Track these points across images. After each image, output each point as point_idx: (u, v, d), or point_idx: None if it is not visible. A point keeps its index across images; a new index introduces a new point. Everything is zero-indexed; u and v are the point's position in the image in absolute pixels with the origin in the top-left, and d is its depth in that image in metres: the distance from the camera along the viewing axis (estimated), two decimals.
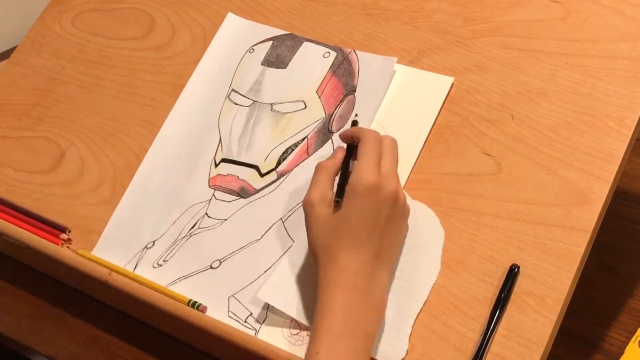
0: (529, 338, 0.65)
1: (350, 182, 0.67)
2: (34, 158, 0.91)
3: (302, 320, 0.70)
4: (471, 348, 0.66)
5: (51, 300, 0.85)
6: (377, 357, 0.67)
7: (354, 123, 0.76)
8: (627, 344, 0.77)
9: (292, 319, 0.71)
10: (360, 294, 0.65)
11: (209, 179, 0.82)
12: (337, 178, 0.70)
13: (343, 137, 0.73)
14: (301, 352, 0.69)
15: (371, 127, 0.78)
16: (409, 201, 0.72)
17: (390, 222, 0.68)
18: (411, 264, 0.70)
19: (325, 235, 0.67)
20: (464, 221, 0.71)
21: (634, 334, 0.78)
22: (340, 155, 0.72)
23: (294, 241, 0.75)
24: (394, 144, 0.71)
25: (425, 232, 0.72)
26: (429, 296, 0.69)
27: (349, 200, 0.67)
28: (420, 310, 0.68)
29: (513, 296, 0.67)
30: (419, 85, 0.79)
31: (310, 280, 0.70)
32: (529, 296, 0.66)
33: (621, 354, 0.76)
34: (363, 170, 0.67)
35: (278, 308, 0.71)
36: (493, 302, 0.67)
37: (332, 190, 0.69)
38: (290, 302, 0.71)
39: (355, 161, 0.69)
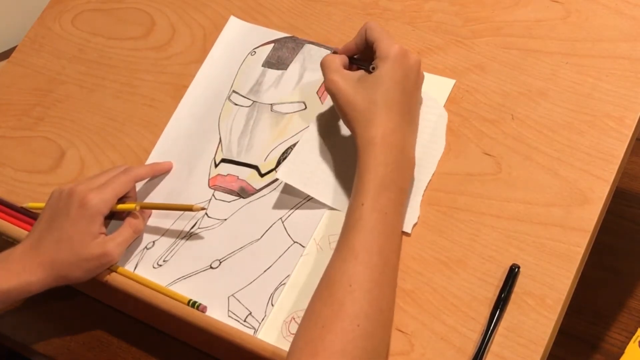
0: (529, 338, 0.65)
1: (379, 53, 0.73)
2: (34, 158, 0.91)
3: (319, 197, 0.75)
4: (471, 348, 0.66)
5: (51, 300, 0.85)
6: None
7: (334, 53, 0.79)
8: (627, 344, 0.77)
9: (292, 319, 0.71)
10: (396, 151, 0.70)
11: (209, 179, 0.82)
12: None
13: (347, 49, 0.77)
14: None
15: None
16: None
17: (415, 87, 0.74)
18: (419, 143, 0.74)
19: (359, 102, 0.72)
20: (464, 221, 0.71)
21: (634, 334, 0.78)
22: (343, 56, 0.77)
23: (294, 241, 0.75)
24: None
25: (430, 114, 0.76)
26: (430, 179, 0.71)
27: (380, 67, 0.72)
28: (429, 182, 0.73)
29: (513, 296, 0.67)
30: None
31: (326, 163, 0.76)
32: (529, 296, 0.66)
33: (621, 354, 0.76)
34: (388, 43, 0.73)
35: (296, 187, 0.75)
36: (493, 302, 0.67)
37: (345, 70, 0.75)
38: (307, 182, 0.75)
39: (376, 40, 0.74)
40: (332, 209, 0.75)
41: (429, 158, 0.74)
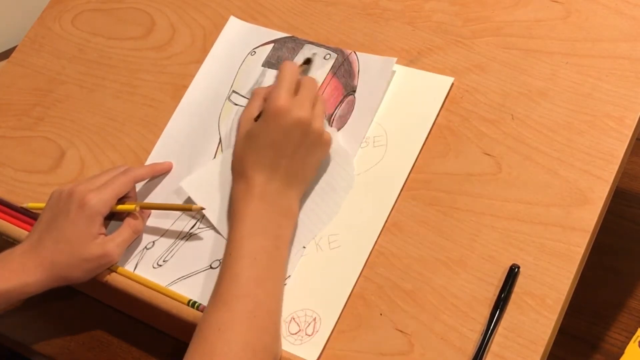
0: (529, 338, 0.65)
1: (264, 105, 0.74)
2: (34, 158, 0.91)
3: (212, 219, 0.77)
4: (471, 348, 0.66)
5: (51, 300, 0.85)
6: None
7: (307, 61, 0.81)
8: (627, 344, 0.77)
9: (292, 319, 0.71)
10: (267, 203, 0.71)
11: None
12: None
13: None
14: (301, 351, 0.69)
15: (371, 127, 0.78)
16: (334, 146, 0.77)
17: (300, 147, 0.73)
18: (327, 183, 0.76)
19: (240, 150, 0.74)
20: (464, 221, 0.71)
21: (634, 334, 0.78)
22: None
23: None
24: (311, 80, 0.77)
25: (336, 176, 0.77)
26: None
27: (261, 121, 0.73)
28: (333, 216, 0.75)
29: (513, 296, 0.67)
30: (419, 85, 0.79)
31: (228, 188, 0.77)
32: (529, 296, 0.66)
33: (621, 354, 0.76)
34: (275, 95, 0.73)
35: (195, 201, 0.77)
36: (493, 302, 0.67)
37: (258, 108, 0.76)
38: (207, 201, 0.77)
39: (275, 84, 0.74)
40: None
41: (338, 190, 0.76)
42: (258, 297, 0.67)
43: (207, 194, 0.78)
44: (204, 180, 0.78)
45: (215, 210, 0.77)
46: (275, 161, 0.72)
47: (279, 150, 0.72)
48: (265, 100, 0.76)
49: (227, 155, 0.79)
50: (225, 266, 0.69)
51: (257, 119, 0.74)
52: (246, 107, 0.77)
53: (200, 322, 0.67)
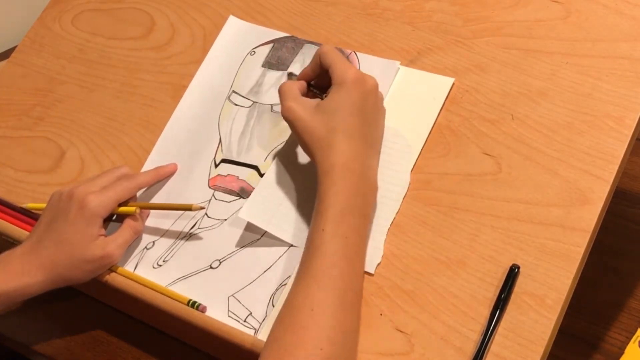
0: (529, 338, 0.65)
1: (335, 79, 0.73)
2: (34, 158, 0.91)
3: (282, 236, 0.74)
4: (471, 348, 0.66)
5: (51, 300, 0.85)
6: None
7: (289, 76, 0.81)
8: (627, 344, 0.77)
9: None
10: (356, 177, 0.70)
11: (209, 180, 0.82)
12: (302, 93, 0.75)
13: (305, 75, 0.78)
14: None
15: None
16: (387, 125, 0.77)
17: (375, 112, 0.74)
18: (382, 180, 0.74)
19: (317, 130, 0.71)
20: (464, 221, 0.71)
21: (634, 334, 0.78)
22: (303, 80, 0.77)
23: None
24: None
25: (395, 150, 0.76)
26: (394, 219, 0.73)
27: (336, 93, 0.72)
28: (393, 220, 0.73)
29: (513, 296, 0.67)
30: (419, 85, 0.79)
31: (289, 199, 0.76)
32: (529, 296, 0.66)
33: (621, 354, 0.76)
34: (344, 68, 0.73)
35: (259, 226, 0.75)
36: (493, 302, 0.67)
37: (303, 97, 0.74)
38: (270, 221, 0.75)
39: (331, 65, 0.74)
40: None
41: (393, 195, 0.74)
42: (349, 277, 0.67)
43: (270, 216, 0.75)
44: (260, 203, 0.76)
45: (287, 228, 0.75)
46: (360, 130, 0.71)
47: (362, 118, 0.71)
48: (298, 91, 0.75)
49: (274, 170, 0.78)
50: (318, 242, 0.67)
51: (326, 95, 0.72)
52: (287, 95, 0.74)
53: (290, 297, 0.66)
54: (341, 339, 0.64)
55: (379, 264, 0.71)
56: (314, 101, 0.73)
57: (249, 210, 0.76)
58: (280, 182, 0.77)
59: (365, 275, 0.72)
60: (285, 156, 0.79)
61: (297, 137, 0.74)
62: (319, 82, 0.77)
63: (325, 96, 0.72)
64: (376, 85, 0.74)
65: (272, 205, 0.76)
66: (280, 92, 0.75)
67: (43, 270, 0.73)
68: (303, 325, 0.63)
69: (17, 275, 0.73)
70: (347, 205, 0.68)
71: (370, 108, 0.73)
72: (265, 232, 0.76)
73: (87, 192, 0.76)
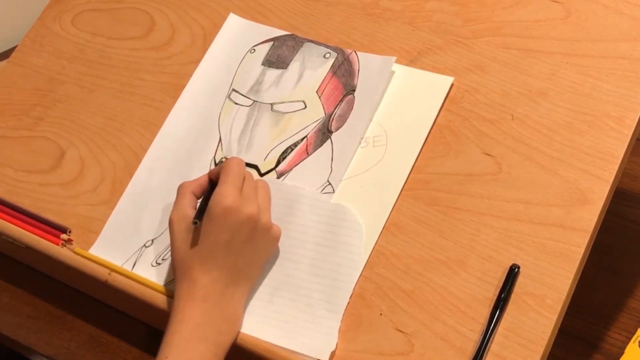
0: (529, 338, 0.65)
1: (209, 204, 0.70)
2: (34, 158, 0.91)
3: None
4: (471, 348, 0.66)
5: (51, 300, 0.85)
6: (305, 352, 0.69)
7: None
8: (627, 344, 0.77)
9: None
10: (210, 305, 0.68)
11: None
12: (199, 202, 0.73)
13: (210, 174, 0.75)
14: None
15: (371, 127, 0.78)
16: (324, 203, 0.75)
17: (248, 244, 0.70)
18: (334, 263, 0.72)
19: (182, 251, 0.70)
20: (464, 221, 0.71)
21: (634, 334, 0.78)
22: (205, 179, 0.74)
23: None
24: (250, 174, 0.75)
25: (345, 230, 0.73)
26: (352, 296, 0.70)
27: (207, 221, 0.70)
28: (346, 305, 0.70)
29: (513, 296, 0.67)
30: (419, 85, 0.79)
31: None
32: (529, 296, 0.66)
33: (621, 354, 0.76)
34: (222, 193, 0.70)
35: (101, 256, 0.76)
36: (493, 302, 0.67)
37: (194, 210, 0.72)
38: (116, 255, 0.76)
39: (218, 183, 0.71)
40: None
41: (347, 278, 0.72)
42: None
43: (118, 252, 0.76)
44: (116, 239, 0.76)
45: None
46: (223, 261, 0.69)
47: (227, 249, 0.69)
48: (195, 196, 0.73)
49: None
50: None
51: (195, 220, 0.70)
52: (175, 204, 0.73)
53: None
54: None
55: (333, 352, 0.69)
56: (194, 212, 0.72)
57: (102, 242, 0.76)
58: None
59: (365, 275, 0.72)
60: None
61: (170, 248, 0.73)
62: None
63: (195, 223, 0.70)
64: (253, 217, 0.70)
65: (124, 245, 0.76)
66: (178, 192, 0.74)
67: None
68: None
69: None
70: (194, 333, 0.67)
71: (241, 240, 0.70)
72: None
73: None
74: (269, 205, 0.74)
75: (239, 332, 0.70)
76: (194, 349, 0.66)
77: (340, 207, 0.75)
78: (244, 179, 0.73)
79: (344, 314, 0.70)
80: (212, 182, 0.74)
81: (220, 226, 0.69)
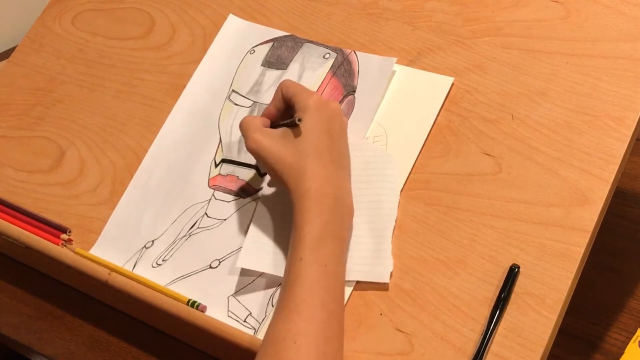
0: (529, 338, 0.65)
1: (298, 105, 0.72)
2: (34, 158, 0.91)
3: (281, 274, 0.72)
4: (471, 348, 0.66)
5: (51, 300, 0.85)
6: (369, 279, 0.70)
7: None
8: (627, 344, 0.77)
9: None
10: (331, 200, 0.69)
11: (209, 179, 0.82)
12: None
13: (269, 113, 0.76)
14: None
15: (371, 127, 0.78)
16: (359, 143, 0.77)
17: (341, 134, 0.73)
18: (374, 195, 0.74)
19: (287, 157, 0.71)
20: (464, 221, 0.71)
21: (634, 334, 0.78)
22: (265, 117, 0.76)
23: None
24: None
25: (381, 164, 0.75)
26: (395, 228, 0.73)
27: (305, 117, 0.71)
28: (394, 228, 0.72)
29: (513, 296, 0.67)
30: (419, 85, 0.79)
31: (282, 237, 0.74)
32: (529, 296, 0.66)
33: (621, 354, 0.76)
34: (306, 94, 0.73)
35: (260, 270, 0.73)
36: (493, 302, 0.67)
37: (267, 128, 0.74)
38: (269, 262, 0.73)
39: (293, 95, 0.74)
40: None
41: (389, 205, 0.73)
42: (330, 306, 0.65)
43: (265, 258, 0.74)
44: (255, 249, 0.74)
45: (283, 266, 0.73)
46: (331, 153, 0.71)
47: (331, 140, 0.71)
48: (261, 125, 0.74)
49: (261, 213, 0.77)
50: (296, 272, 0.66)
51: (299, 119, 0.71)
52: (250, 131, 0.73)
53: (271, 330, 0.65)
54: None
55: (392, 272, 0.71)
56: (279, 130, 0.73)
57: (246, 258, 0.74)
58: (268, 224, 0.75)
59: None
60: (268, 197, 0.78)
61: (267, 169, 0.73)
62: (285, 118, 0.75)
63: (299, 120, 0.71)
64: (339, 109, 0.74)
65: (267, 249, 0.74)
66: (242, 125, 0.74)
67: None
68: (287, 359, 0.62)
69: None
70: (323, 231, 0.67)
71: (337, 131, 0.72)
72: None
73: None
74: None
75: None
76: (325, 247, 0.67)
77: (370, 144, 0.77)
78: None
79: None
80: (277, 108, 0.76)
81: (319, 117, 0.71)
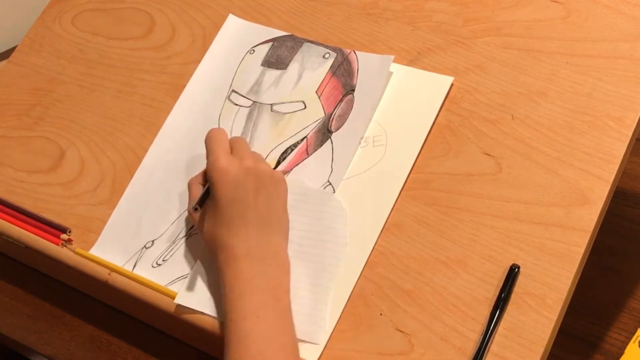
0: (529, 338, 0.65)
1: (207, 175, 0.73)
2: (33, 158, 0.91)
3: (218, 316, 0.72)
4: (471, 348, 0.66)
5: (51, 300, 0.85)
6: (301, 337, 0.69)
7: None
8: (627, 344, 0.77)
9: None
10: (255, 259, 0.69)
11: None
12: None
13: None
14: (302, 351, 0.69)
15: (371, 127, 0.78)
16: (308, 190, 0.76)
17: (259, 195, 0.72)
18: (319, 247, 0.73)
19: (207, 229, 0.72)
20: (464, 221, 0.71)
21: (634, 334, 0.78)
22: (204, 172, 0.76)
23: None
24: (240, 137, 0.78)
25: (329, 215, 0.74)
26: (357, 281, 0.71)
27: (212, 191, 0.72)
28: (332, 288, 0.71)
29: (513, 296, 0.67)
30: (419, 85, 0.79)
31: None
32: (529, 296, 0.66)
33: (621, 354, 0.76)
34: (213, 160, 0.72)
35: (199, 310, 0.72)
36: (493, 302, 0.67)
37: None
38: (207, 303, 0.73)
39: (207, 150, 0.74)
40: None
41: (332, 261, 0.72)
42: (270, 355, 0.65)
43: (204, 298, 0.73)
44: (196, 289, 0.74)
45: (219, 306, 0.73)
46: (244, 218, 0.70)
47: (242, 206, 0.71)
48: (195, 185, 0.75)
49: (207, 254, 0.75)
50: (230, 332, 0.66)
51: (196, 206, 0.71)
52: (189, 198, 0.75)
53: None
54: None
55: (330, 336, 0.69)
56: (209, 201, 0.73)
57: (185, 297, 0.74)
58: (211, 266, 0.75)
59: (365, 275, 0.72)
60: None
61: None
62: None
63: (195, 207, 0.71)
64: (251, 168, 0.72)
65: (205, 290, 0.74)
66: (189, 187, 0.76)
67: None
68: None
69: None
70: (248, 287, 0.68)
71: (250, 191, 0.71)
72: None
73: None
74: (262, 157, 0.77)
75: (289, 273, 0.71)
76: (252, 300, 0.67)
77: (325, 193, 0.75)
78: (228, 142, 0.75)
79: (342, 314, 0.70)
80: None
81: (225, 188, 0.71)
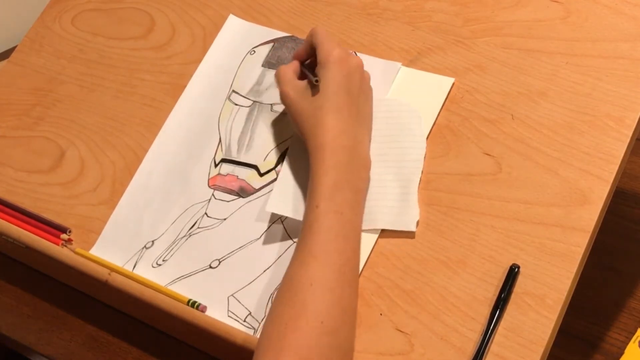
0: (529, 338, 0.65)
1: (319, 58, 0.75)
2: (33, 158, 0.91)
3: None
4: (471, 348, 0.66)
5: (51, 300, 0.85)
6: (395, 228, 0.72)
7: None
8: (627, 344, 0.77)
9: None
10: (347, 152, 0.71)
11: (209, 179, 0.82)
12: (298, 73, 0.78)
13: (298, 55, 0.80)
14: None
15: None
16: (382, 99, 0.78)
17: (361, 89, 0.75)
18: (400, 147, 0.75)
19: (307, 109, 0.73)
20: (464, 221, 0.71)
21: (634, 334, 0.78)
22: (296, 63, 0.79)
23: (293, 241, 0.75)
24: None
25: (405, 117, 0.77)
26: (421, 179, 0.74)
27: (323, 73, 0.74)
28: (420, 179, 0.74)
29: (513, 296, 0.67)
30: (419, 85, 0.79)
31: (306, 186, 0.74)
32: (529, 296, 0.66)
33: (621, 354, 0.76)
34: (328, 48, 0.75)
35: (287, 216, 0.75)
36: (493, 302, 0.67)
37: (296, 80, 0.77)
38: (293, 208, 0.75)
39: (317, 45, 0.76)
40: None
41: (415, 156, 0.75)
42: (346, 252, 0.67)
43: (294, 204, 0.75)
44: (284, 193, 0.76)
45: None
46: (349, 106, 0.73)
47: (348, 94, 0.73)
48: (288, 70, 0.77)
49: (291, 160, 0.78)
50: (312, 219, 0.68)
51: (317, 80, 0.73)
52: (283, 82, 0.77)
53: (288, 275, 0.67)
54: (341, 313, 0.65)
55: (418, 221, 0.72)
56: (305, 83, 0.75)
57: (275, 203, 0.76)
58: (294, 172, 0.77)
59: (365, 275, 0.72)
60: (294, 147, 0.79)
61: (291, 120, 0.76)
62: (313, 62, 0.78)
63: (317, 81, 0.74)
64: (360, 65, 0.75)
65: (297, 195, 0.76)
66: (277, 77, 0.78)
67: None
68: (303, 300, 0.64)
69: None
70: (339, 181, 0.69)
71: (355, 86, 0.74)
72: (265, 231, 0.76)
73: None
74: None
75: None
76: (341, 195, 0.69)
77: (395, 99, 0.78)
78: None
79: None
80: (303, 61, 0.79)
81: (337, 72, 0.73)
